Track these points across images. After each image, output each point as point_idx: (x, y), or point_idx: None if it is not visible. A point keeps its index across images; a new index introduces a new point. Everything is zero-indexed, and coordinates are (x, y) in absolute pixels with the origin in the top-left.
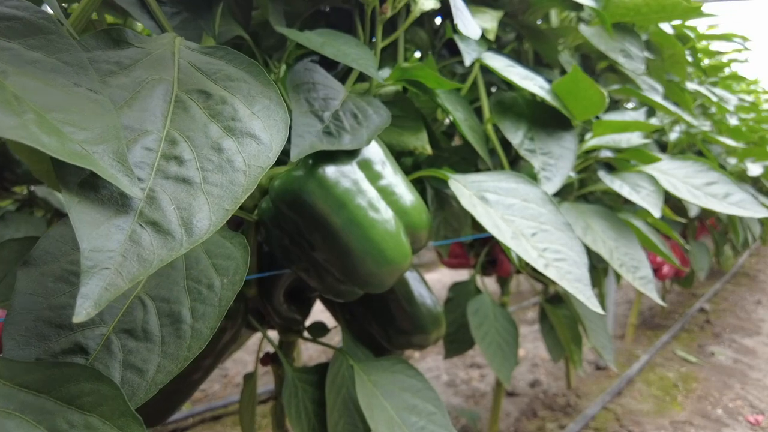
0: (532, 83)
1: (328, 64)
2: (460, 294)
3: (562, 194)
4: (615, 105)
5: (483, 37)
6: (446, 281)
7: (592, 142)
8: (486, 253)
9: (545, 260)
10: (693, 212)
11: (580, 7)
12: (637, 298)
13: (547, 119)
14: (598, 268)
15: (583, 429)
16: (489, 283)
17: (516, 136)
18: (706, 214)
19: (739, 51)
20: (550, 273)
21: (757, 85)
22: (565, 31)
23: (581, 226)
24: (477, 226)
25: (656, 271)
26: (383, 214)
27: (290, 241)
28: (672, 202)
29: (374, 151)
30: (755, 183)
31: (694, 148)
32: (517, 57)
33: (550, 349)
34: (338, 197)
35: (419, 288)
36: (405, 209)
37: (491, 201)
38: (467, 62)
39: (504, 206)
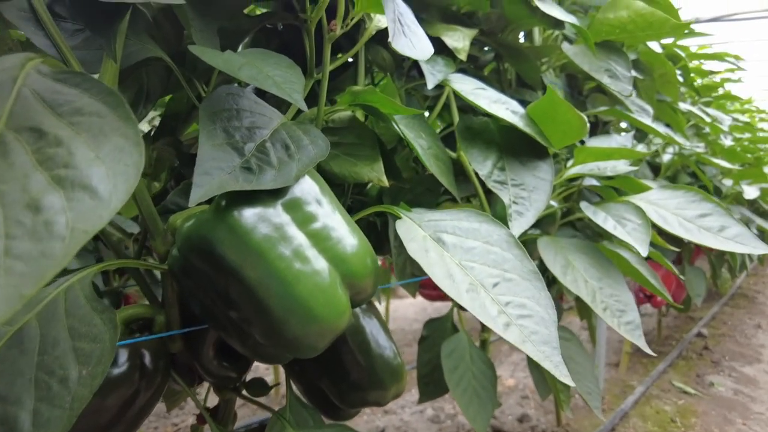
0: (503, 108)
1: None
2: (435, 332)
3: (543, 225)
4: (605, 127)
5: (453, 56)
6: (425, 305)
7: (573, 169)
8: None
9: (507, 318)
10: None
11: (562, 25)
12: None
13: (521, 147)
14: None
15: None
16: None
17: (484, 166)
18: None
19: (733, 71)
20: (511, 335)
21: (751, 104)
22: (548, 50)
23: (561, 264)
24: None
25: (650, 298)
26: (313, 265)
27: (203, 295)
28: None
29: (307, 189)
30: (752, 204)
31: (688, 170)
32: (498, 77)
33: (536, 385)
34: (254, 246)
35: (377, 337)
36: (343, 256)
37: (448, 244)
38: (430, 85)
39: (463, 250)
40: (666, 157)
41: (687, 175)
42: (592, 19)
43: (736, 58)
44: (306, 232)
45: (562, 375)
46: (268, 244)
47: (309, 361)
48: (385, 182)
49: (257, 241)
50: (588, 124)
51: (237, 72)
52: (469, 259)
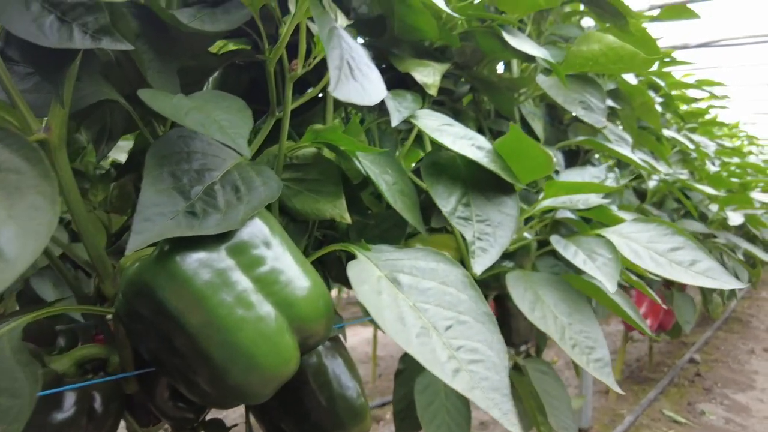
0: (468, 144)
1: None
2: (412, 365)
3: (517, 258)
4: (587, 155)
5: (422, 91)
6: None
7: (545, 202)
8: None
9: (457, 363)
10: None
11: (533, 59)
12: (621, 351)
13: (487, 182)
14: None
15: None
16: None
17: (448, 203)
18: None
19: (717, 97)
20: (460, 382)
21: (737, 129)
22: (524, 82)
23: (529, 300)
24: None
25: None
26: (257, 311)
27: (149, 340)
28: None
29: (255, 231)
30: (740, 228)
31: (674, 195)
32: (476, 109)
33: (519, 418)
34: (195, 293)
35: (339, 376)
36: (291, 300)
37: (404, 284)
38: (394, 122)
39: (419, 291)
40: (651, 184)
41: (674, 200)
42: (568, 52)
43: (719, 84)
44: (252, 276)
45: (511, 424)
46: (209, 291)
47: (271, 401)
48: (347, 219)
49: (198, 287)
50: (554, 159)
51: (184, 118)
52: (424, 301)
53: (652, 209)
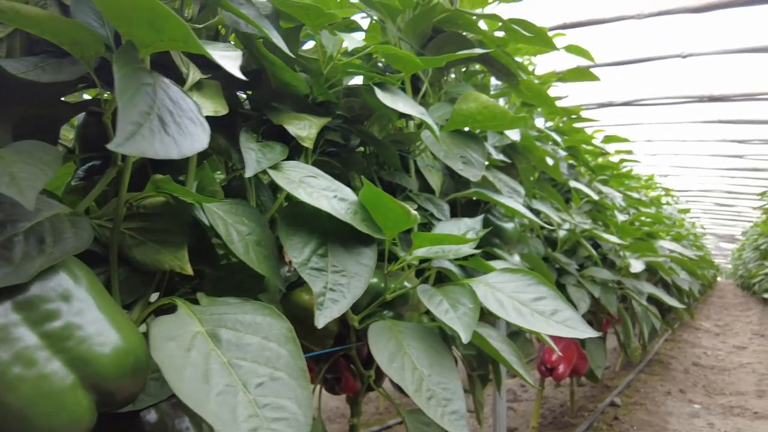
0: (329, 196)
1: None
2: None
3: (396, 307)
4: (486, 206)
5: (295, 144)
6: None
7: (417, 252)
8: (328, 369)
9: (258, 422)
10: (581, 310)
11: (410, 117)
12: (538, 398)
13: (349, 233)
14: (474, 377)
15: None
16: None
17: (301, 254)
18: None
19: (627, 152)
20: None
21: (653, 181)
22: (412, 137)
23: (390, 351)
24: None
25: (552, 370)
26: (40, 368)
27: None
28: None
29: (53, 284)
30: (655, 274)
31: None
32: (369, 161)
33: None
34: None
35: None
36: (88, 356)
37: (223, 340)
38: (248, 173)
39: (238, 347)
40: (562, 233)
41: (587, 249)
42: (452, 110)
43: (625, 140)
44: (41, 332)
45: None
46: None
47: None
48: (188, 270)
49: None
50: (414, 214)
51: None
52: (241, 357)
53: (562, 257)
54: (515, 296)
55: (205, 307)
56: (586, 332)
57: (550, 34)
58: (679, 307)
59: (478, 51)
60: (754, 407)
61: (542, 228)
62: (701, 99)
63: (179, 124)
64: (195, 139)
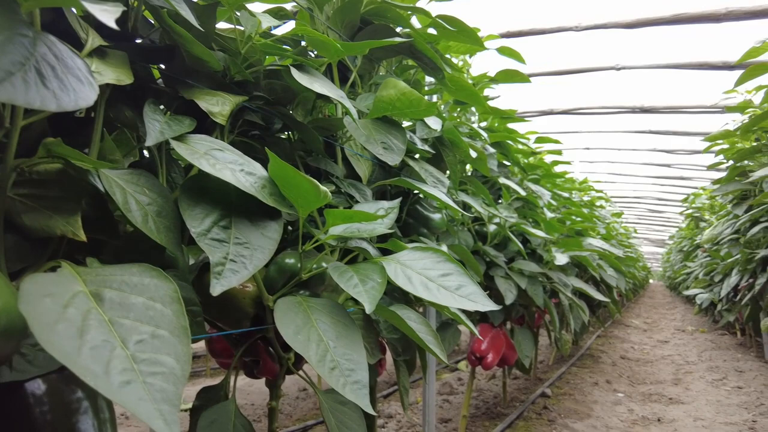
0: (234, 169)
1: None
2: (209, 401)
3: (311, 287)
4: (414, 197)
5: (210, 123)
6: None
7: (331, 231)
8: (246, 352)
9: (132, 376)
10: (508, 300)
11: (329, 100)
12: (468, 388)
13: (255, 207)
14: (399, 362)
15: None
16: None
17: (201, 224)
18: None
19: (557, 152)
20: (127, 394)
21: (587, 184)
22: (335, 123)
23: (296, 324)
24: (225, 315)
25: (482, 359)
26: None
27: None
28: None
29: None
30: (585, 271)
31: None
32: (292, 145)
33: None
34: None
35: (67, 405)
36: None
37: (107, 299)
38: (149, 141)
39: (122, 306)
40: (492, 227)
41: (515, 244)
42: (375, 98)
43: (556, 142)
44: None
45: None
46: None
47: None
48: (82, 236)
49: None
50: (324, 190)
51: None
52: (124, 315)
53: (491, 250)
54: (424, 272)
55: (91, 269)
56: (487, 305)
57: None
58: (606, 302)
59: (399, 39)
60: (669, 394)
61: (473, 222)
62: (634, 110)
63: (62, 81)
64: (79, 96)
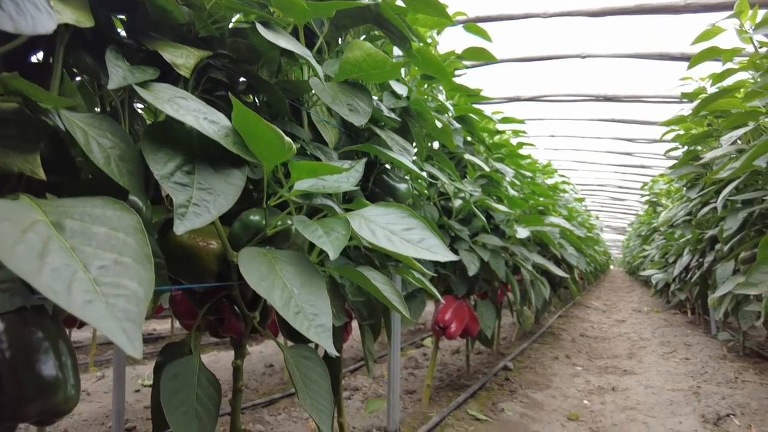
0: (198, 117)
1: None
2: (172, 357)
3: (277, 243)
4: (382, 166)
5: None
6: (269, 353)
7: (297, 186)
8: (211, 310)
9: (94, 296)
10: (471, 271)
11: (294, 58)
12: (432, 359)
13: (220, 155)
14: (364, 326)
15: None
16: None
17: (165, 167)
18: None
19: (521, 133)
20: (91, 311)
21: (550, 167)
22: (301, 86)
23: (261, 272)
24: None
25: (445, 329)
26: None
27: None
28: (459, 265)
29: None
30: (546, 249)
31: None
32: (258, 107)
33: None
34: None
35: (27, 346)
36: None
37: (68, 228)
38: (111, 85)
39: (84, 235)
40: (457, 202)
41: (479, 218)
42: (341, 60)
43: (520, 122)
44: None
45: (135, 350)
46: None
47: None
48: (40, 174)
49: None
50: (289, 141)
51: None
52: (86, 243)
53: (456, 224)
54: (387, 227)
55: (51, 201)
56: (448, 256)
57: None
58: (566, 278)
59: (367, 1)
60: (624, 366)
61: (439, 197)
62: (598, 98)
63: (19, 6)
64: (37, 22)
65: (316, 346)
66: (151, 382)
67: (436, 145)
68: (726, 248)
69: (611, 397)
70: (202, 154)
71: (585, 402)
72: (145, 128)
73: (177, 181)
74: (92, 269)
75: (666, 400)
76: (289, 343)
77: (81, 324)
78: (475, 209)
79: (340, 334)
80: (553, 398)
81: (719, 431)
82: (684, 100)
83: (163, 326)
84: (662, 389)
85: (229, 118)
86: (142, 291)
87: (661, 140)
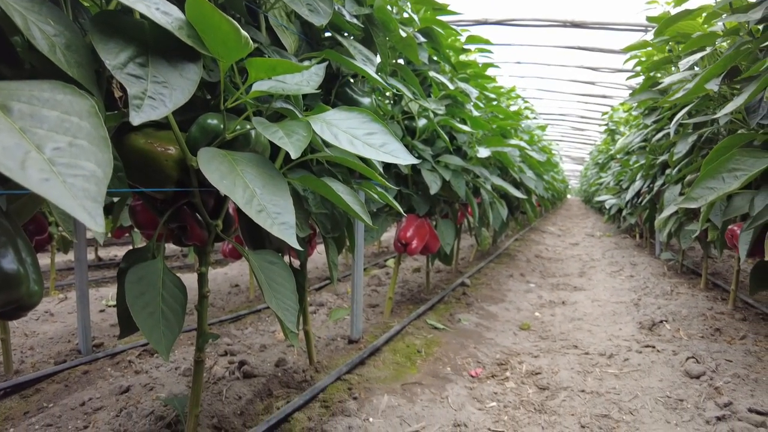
0: (147, 7)
1: None
2: (135, 262)
3: (237, 147)
4: (344, 78)
5: None
6: (234, 274)
7: (255, 86)
8: (172, 218)
9: (50, 175)
10: (433, 190)
11: None
12: (394, 274)
13: (175, 49)
14: (328, 240)
15: (310, 402)
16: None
17: (116, 58)
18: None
19: (486, 51)
20: (49, 188)
21: (515, 93)
22: None
23: (221, 171)
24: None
25: (406, 245)
26: None
27: None
28: (422, 185)
29: None
30: (506, 172)
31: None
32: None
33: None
34: None
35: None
36: None
37: (15, 110)
38: None
39: (34, 118)
40: (421, 122)
41: (443, 138)
42: None
43: (486, 41)
44: None
45: (96, 225)
46: None
47: None
48: None
49: None
50: (245, 35)
51: None
52: (37, 126)
53: (420, 144)
54: (349, 131)
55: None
56: (408, 159)
57: None
58: (524, 199)
59: None
60: (574, 283)
61: (403, 116)
62: (564, 24)
63: None
64: None
65: (282, 254)
66: (115, 302)
67: (401, 61)
68: (674, 171)
69: (561, 310)
70: (155, 46)
71: (536, 314)
72: (93, 16)
73: (130, 73)
74: (46, 150)
75: (610, 311)
76: None
77: (37, 247)
78: (438, 129)
79: (304, 248)
80: (507, 311)
81: (652, 334)
82: (649, 27)
83: (124, 252)
84: (607, 302)
85: (183, 11)
86: (101, 171)
87: (622, 69)
